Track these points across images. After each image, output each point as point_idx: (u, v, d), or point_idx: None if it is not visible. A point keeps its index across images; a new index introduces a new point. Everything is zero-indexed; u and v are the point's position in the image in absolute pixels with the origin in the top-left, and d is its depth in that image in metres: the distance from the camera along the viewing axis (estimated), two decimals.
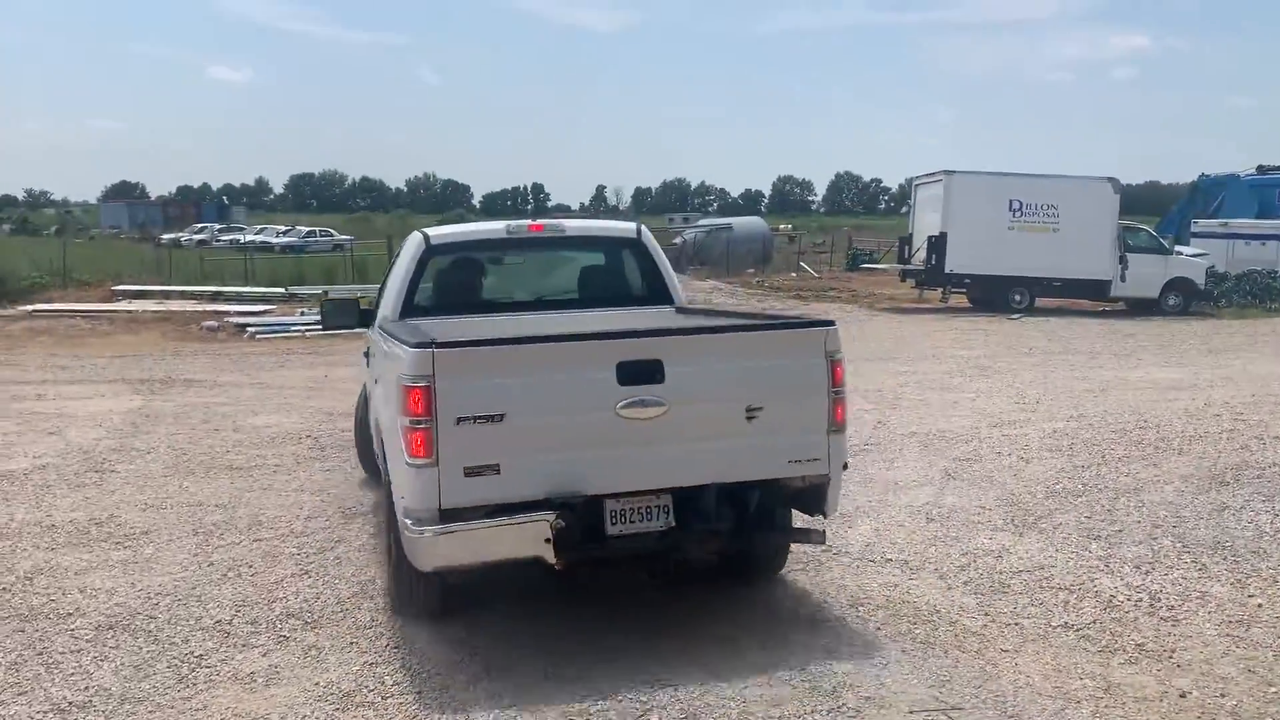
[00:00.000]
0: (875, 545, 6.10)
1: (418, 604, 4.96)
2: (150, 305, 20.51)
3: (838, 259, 40.20)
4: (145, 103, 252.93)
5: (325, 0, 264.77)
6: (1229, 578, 5.44)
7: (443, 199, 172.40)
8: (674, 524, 4.56)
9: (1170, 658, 4.44)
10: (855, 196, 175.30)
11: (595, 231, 7.13)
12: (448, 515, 4.30)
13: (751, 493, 4.73)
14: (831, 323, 4.86)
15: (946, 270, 22.47)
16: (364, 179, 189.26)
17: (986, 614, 4.97)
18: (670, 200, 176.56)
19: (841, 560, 5.83)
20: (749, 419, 4.58)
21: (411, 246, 6.31)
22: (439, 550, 4.36)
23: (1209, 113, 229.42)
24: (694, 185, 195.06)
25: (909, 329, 19.49)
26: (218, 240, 55.79)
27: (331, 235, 54.22)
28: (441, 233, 6.57)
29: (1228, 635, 4.67)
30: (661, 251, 6.70)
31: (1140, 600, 5.11)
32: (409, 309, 6.11)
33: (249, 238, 56.62)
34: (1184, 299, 22.72)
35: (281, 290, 21.93)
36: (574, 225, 7.07)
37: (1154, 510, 6.80)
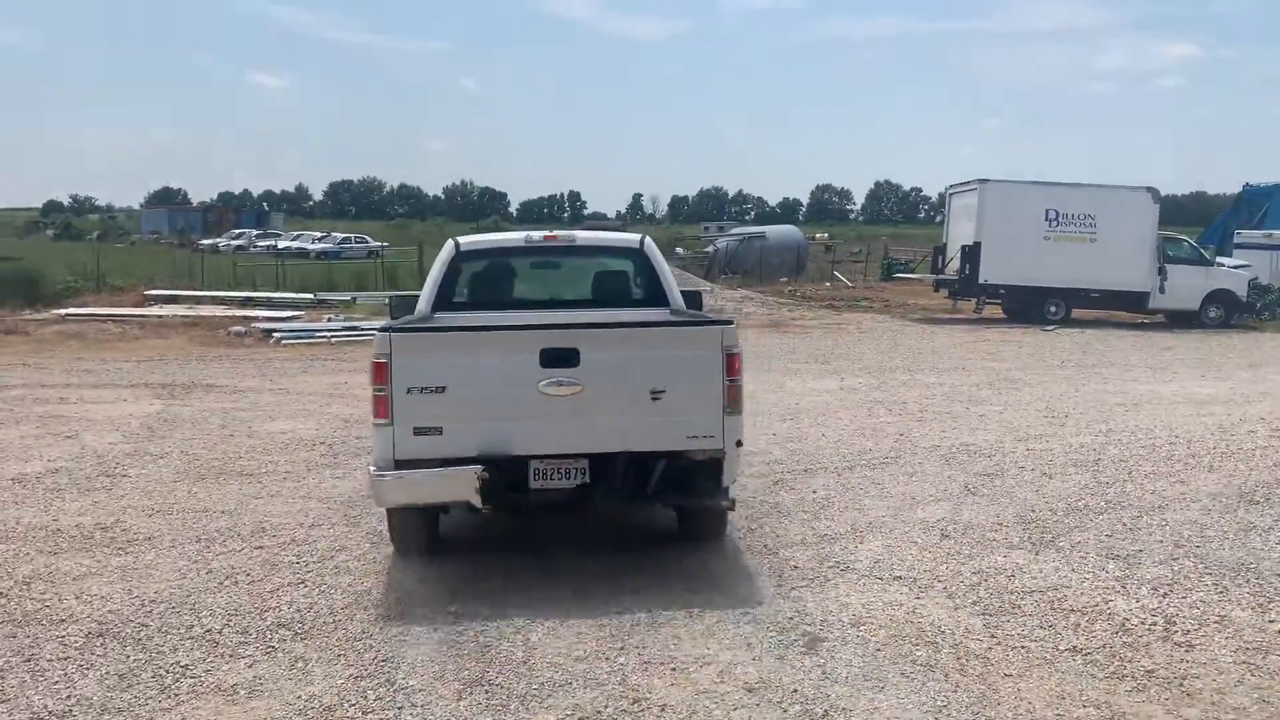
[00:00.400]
0: (885, 562, 5.93)
1: (409, 544, 5.94)
2: (181, 310, 20.71)
3: (874, 268, 39.79)
4: (190, 111, 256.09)
5: (367, 9, 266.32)
6: (1250, 601, 5.22)
7: (480, 206, 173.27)
8: (588, 482, 5.48)
9: (1181, 685, 4.24)
10: (895, 205, 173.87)
11: (602, 241, 8.10)
12: (401, 465, 5.32)
13: (658, 461, 5.56)
14: (729, 322, 5.75)
15: (980, 280, 22.12)
16: (402, 186, 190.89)
17: (993, 636, 4.80)
18: (707, 208, 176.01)
19: (848, 577, 5.68)
20: (654, 400, 5.44)
21: (444, 252, 7.07)
22: (392, 491, 5.40)
23: (1258, 122, 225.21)
24: (731, 194, 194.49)
25: (940, 340, 19.20)
26: (255, 246, 56.44)
27: (367, 241, 54.62)
28: (470, 240, 7.41)
29: (1244, 663, 4.47)
30: (663, 260, 7.19)
31: (1155, 624, 4.91)
32: (440, 304, 6.79)
33: (285, 244, 57.25)
34: (1225, 311, 22.22)
35: (310, 296, 22.07)
36: (584, 236, 7.93)
37: (1178, 529, 6.58)
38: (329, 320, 18.73)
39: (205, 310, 20.82)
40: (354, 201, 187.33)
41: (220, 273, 27.42)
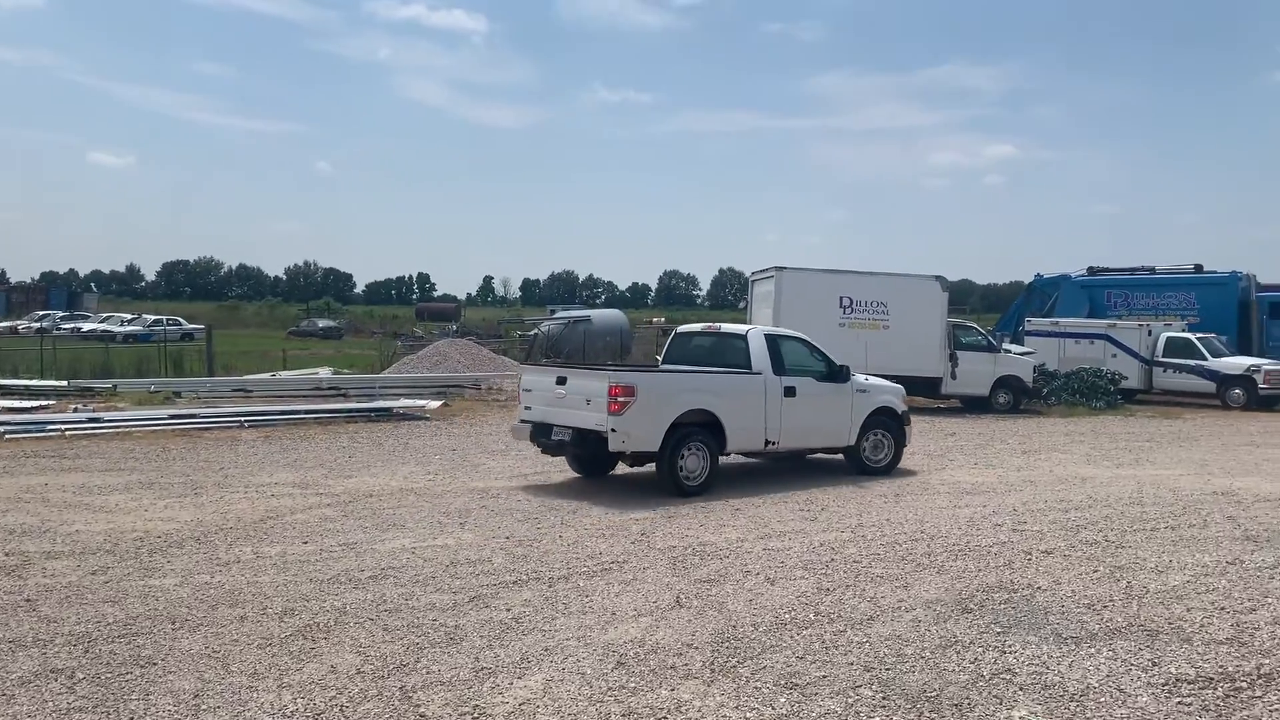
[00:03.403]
0: (530, 705, 5.09)
1: (570, 466, 12.68)
2: None
3: None
4: (21, 190, 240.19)
5: (223, 90, 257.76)
6: None
7: (323, 287, 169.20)
8: (568, 440, 11.44)
9: None
10: (738, 291, 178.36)
11: (730, 331, 13.50)
12: (522, 422, 12.06)
13: (591, 433, 11.06)
14: (615, 370, 13.02)
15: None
16: (241, 266, 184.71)
17: None
18: (558, 292, 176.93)
19: None
20: (587, 404, 11.10)
21: (672, 334, 14.56)
22: (515, 434, 12.45)
23: (1073, 217, 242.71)
24: (582, 277, 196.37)
25: None
26: (59, 328, 52.75)
27: (180, 324, 51.75)
28: (681, 328, 14.72)
29: None
30: (761, 342, 12.51)
31: None
32: (666, 361, 13.66)
33: (92, 326, 53.81)
34: (1014, 396, 22.79)
35: (66, 384, 20.13)
36: (725, 328, 13.81)
37: (877, 647, 6.01)
38: (74, 410, 16.98)
39: None
40: (189, 282, 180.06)
41: None
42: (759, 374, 12.17)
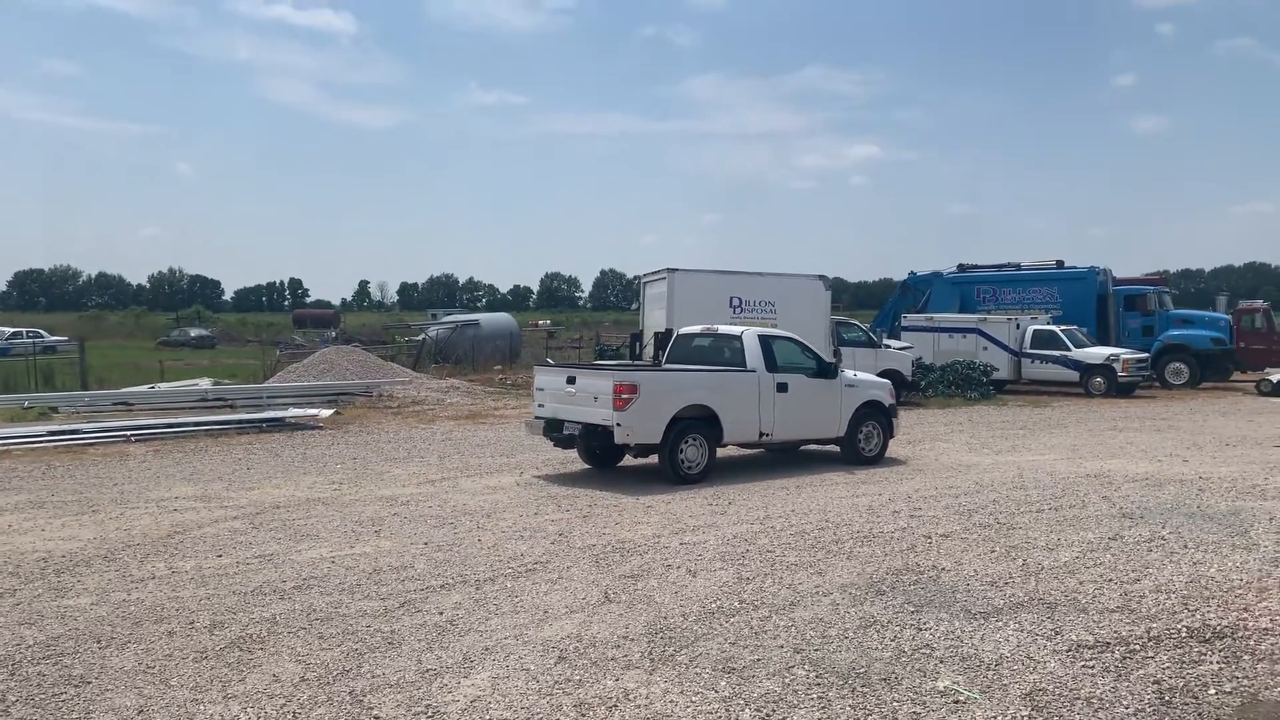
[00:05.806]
0: (483, 700, 5.23)
1: (585, 458, 13.52)
2: None
3: (588, 354, 40.21)
4: None
5: (69, 90, 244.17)
6: (850, 717, 4.92)
7: (190, 295, 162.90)
8: (577, 434, 12.36)
9: None
10: (620, 293, 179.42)
11: (725, 332, 14.06)
12: (536, 418, 13.04)
13: (598, 427, 11.97)
14: (616, 369, 13.57)
15: None
16: (101, 275, 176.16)
17: None
18: (438, 296, 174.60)
19: None
20: (594, 400, 11.98)
21: (674, 336, 14.95)
22: (530, 429, 13.37)
23: (935, 216, 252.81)
24: (462, 281, 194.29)
25: None
26: None
27: (42, 336, 49.18)
28: (680, 330, 14.97)
29: None
30: (755, 342, 13.29)
31: None
32: (668, 360, 14.51)
33: None
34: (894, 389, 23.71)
35: None
36: (721, 329, 14.29)
37: (803, 630, 6.34)
38: None
39: None
40: (44, 292, 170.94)
41: None
42: (753, 371, 13.06)
